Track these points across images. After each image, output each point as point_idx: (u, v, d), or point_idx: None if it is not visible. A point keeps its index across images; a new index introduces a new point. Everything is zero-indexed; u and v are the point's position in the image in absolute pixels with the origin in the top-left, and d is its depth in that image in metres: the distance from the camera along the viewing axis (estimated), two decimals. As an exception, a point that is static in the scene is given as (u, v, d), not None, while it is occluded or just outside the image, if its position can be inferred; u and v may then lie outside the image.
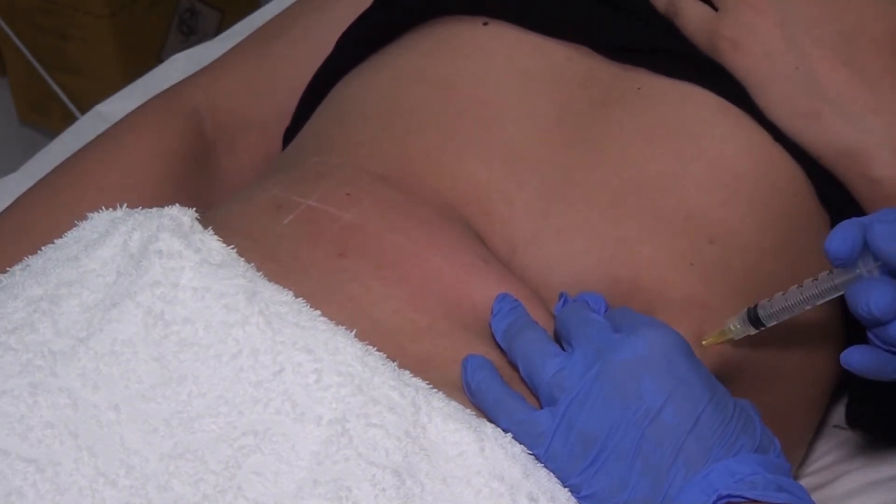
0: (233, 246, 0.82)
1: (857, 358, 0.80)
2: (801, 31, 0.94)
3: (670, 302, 0.86)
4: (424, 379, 0.78)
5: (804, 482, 1.05)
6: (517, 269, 0.90)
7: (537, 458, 0.77)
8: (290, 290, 0.80)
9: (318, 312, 0.79)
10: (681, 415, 0.75)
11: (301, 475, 0.73)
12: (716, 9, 0.96)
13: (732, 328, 0.84)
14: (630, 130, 0.93)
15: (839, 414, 1.07)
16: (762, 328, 0.83)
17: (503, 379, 0.80)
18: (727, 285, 0.88)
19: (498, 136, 0.93)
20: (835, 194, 0.93)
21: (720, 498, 0.73)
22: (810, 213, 0.93)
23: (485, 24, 0.98)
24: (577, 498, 0.76)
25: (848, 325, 0.95)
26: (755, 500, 0.73)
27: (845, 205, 0.93)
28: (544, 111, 0.94)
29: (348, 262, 0.85)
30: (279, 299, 0.79)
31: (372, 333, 0.80)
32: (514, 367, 0.82)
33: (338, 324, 0.79)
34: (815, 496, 1.02)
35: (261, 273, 0.81)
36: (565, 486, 0.76)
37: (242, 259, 0.81)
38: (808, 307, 0.81)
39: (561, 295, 0.85)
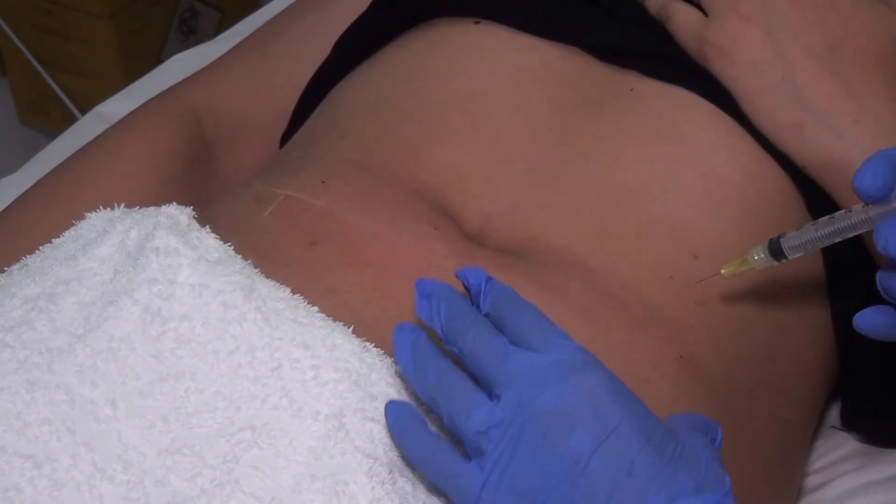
0: (230, 243, 0.82)
1: (868, 320, 0.78)
2: (787, 40, 0.93)
3: (643, 310, 0.85)
4: None
5: (804, 482, 1.05)
6: (488, 238, 0.88)
7: None
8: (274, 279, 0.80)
9: (316, 308, 0.79)
10: (610, 461, 0.71)
11: (298, 470, 0.73)
12: (707, 15, 0.96)
13: (756, 257, 0.82)
14: (623, 131, 0.93)
15: (835, 414, 1.07)
16: (784, 260, 0.81)
17: (428, 426, 0.75)
18: (702, 304, 0.87)
19: (485, 126, 0.93)
20: (823, 205, 0.93)
21: None
22: (798, 224, 0.93)
23: (476, 23, 0.98)
24: None
25: (839, 335, 0.95)
26: None
27: None
28: (536, 106, 0.94)
29: (321, 250, 0.84)
30: (276, 295, 0.79)
31: (356, 324, 0.79)
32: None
33: (323, 316, 0.78)
34: (814, 496, 1.02)
35: (258, 270, 0.81)
36: None
37: (239, 256, 0.81)
38: (836, 240, 0.79)
39: (422, 290, 0.77)
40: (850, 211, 0.78)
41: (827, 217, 0.79)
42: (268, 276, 0.80)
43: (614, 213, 0.89)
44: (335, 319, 0.79)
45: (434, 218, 0.87)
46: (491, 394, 0.74)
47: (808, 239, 0.80)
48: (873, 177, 0.74)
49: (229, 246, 0.81)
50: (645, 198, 0.90)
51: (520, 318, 0.75)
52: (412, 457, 0.74)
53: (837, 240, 0.79)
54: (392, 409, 0.75)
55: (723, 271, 0.83)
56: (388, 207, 0.87)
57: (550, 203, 0.89)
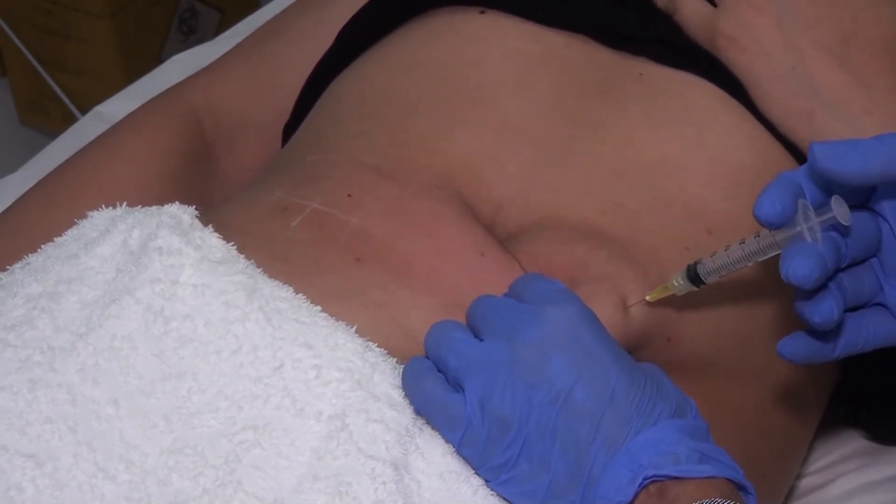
0: (233, 243, 0.81)
1: (790, 348, 0.79)
2: (798, 31, 0.94)
3: (659, 280, 0.85)
4: None
5: (804, 482, 1.05)
6: (499, 227, 0.89)
7: (454, 443, 0.75)
8: (305, 288, 0.80)
9: (319, 308, 0.79)
10: (593, 391, 0.73)
11: (301, 470, 0.73)
12: (715, 5, 0.97)
13: (675, 283, 0.83)
14: (632, 113, 0.93)
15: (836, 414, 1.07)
16: (703, 285, 0.82)
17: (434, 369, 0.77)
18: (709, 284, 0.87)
19: (491, 112, 0.93)
20: None
21: (646, 479, 0.72)
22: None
23: (481, 12, 0.98)
24: (496, 483, 0.75)
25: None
26: (680, 478, 0.72)
27: None
28: (543, 91, 0.94)
29: (368, 268, 0.84)
30: (279, 295, 0.79)
31: (401, 337, 0.80)
32: None
33: (361, 325, 0.79)
34: (814, 496, 1.02)
35: (261, 270, 0.81)
36: (483, 470, 0.75)
37: (242, 256, 0.81)
38: (749, 263, 0.80)
39: None
40: (758, 235, 0.79)
41: (738, 243, 0.80)
42: (297, 282, 0.80)
43: (627, 188, 0.89)
44: (376, 328, 0.79)
45: (477, 237, 0.87)
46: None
47: (722, 264, 0.81)
48: (770, 204, 0.74)
49: (232, 245, 0.81)
50: (657, 175, 0.90)
51: (520, 283, 0.79)
52: (407, 386, 0.76)
53: (749, 263, 0.80)
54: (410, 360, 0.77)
55: (647, 297, 0.84)
56: (423, 229, 0.86)
57: (562, 181, 0.90)
